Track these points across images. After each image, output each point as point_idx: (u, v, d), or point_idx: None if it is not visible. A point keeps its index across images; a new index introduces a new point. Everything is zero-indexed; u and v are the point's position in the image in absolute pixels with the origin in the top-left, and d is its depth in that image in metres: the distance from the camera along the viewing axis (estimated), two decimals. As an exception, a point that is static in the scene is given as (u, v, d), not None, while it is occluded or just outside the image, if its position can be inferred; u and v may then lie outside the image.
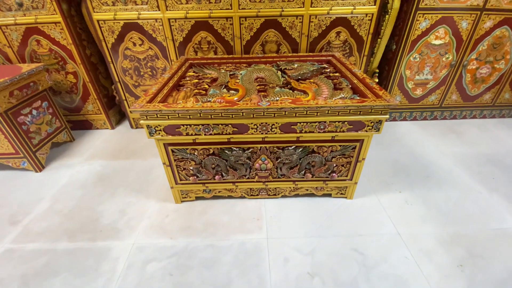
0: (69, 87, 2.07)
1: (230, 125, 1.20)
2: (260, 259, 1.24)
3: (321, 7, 1.79)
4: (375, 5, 1.80)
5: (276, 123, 1.20)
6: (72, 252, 1.28)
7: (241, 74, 1.60)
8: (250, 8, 1.78)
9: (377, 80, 2.17)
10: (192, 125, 1.19)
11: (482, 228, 1.37)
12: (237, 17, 1.81)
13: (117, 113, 2.41)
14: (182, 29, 1.84)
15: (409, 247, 1.28)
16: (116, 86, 2.10)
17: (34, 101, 1.76)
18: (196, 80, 1.54)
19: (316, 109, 1.14)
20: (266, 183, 1.47)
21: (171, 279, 1.16)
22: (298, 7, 1.79)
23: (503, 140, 2.07)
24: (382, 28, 1.97)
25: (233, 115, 1.16)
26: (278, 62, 1.78)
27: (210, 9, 1.77)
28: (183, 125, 1.19)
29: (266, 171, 1.41)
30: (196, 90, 1.40)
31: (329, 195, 1.56)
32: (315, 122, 1.20)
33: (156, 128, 1.20)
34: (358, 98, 1.25)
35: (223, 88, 1.41)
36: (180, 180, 1.44)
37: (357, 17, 1.84)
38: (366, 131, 1.23)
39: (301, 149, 1.32)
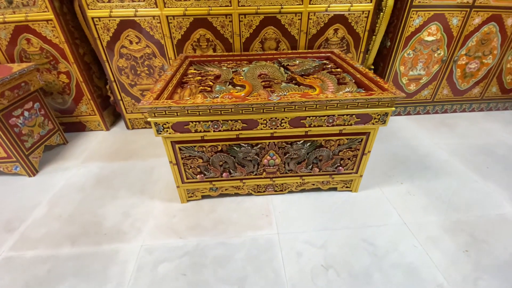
0: (61, 87, 1.99)
1: (239, 121, 1.19)
2: (273, 254, 1.23)
3: (320, 4, 1.81)
4: (371, 2, 1.85)
5: (286, 117, 1.20)
6: (76, 257, 1.23)
7: (244, 71, 1.59)
8: (249, 5, 1.78)
9: (372, 76, 2.22)
10: (201, 122, 1.18)
11: (482, 214, 1.43)
12: (236, 14, 1.80)
13: (111, 114, 2.34)
14: (180, 26, 1.82)
15: (416, 236, 1.31)
16: (112, 86, 2.04)
17: (25, 102, 1.68)
18: (199, 77, 1.52)
19: (326, 102, 1.15)
20: (274, 179, 1.47)
21: (185, 278, 1.13)
22: (297, 4, 1.80)
23: (492, 132, 2.17)
24: (377, 25, 2.02)
25: (243, 111, 1.16)
26: (279, 59, 1.78)
27: (209, 6, 1.75)
28: (192, 121, 1.17)
29: (274, 167, 1.41)
30: (201, 87, 1.39)
31: (335, 189, 1.58)
32: (324, 116, 1.21)
33: (164, 126, 1.17)
34: (363, 91, 1.28)
35: (228, 85, 1.40)
36: (187, 178, 1.42)
37: (354, 14, 1.88)
38: (373, 123, 1.26)
39: (309, 143, 1.33)
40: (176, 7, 1.74)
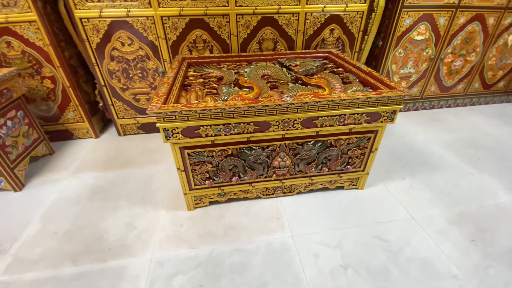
0: (45, 93, 1.85)
1: (251, 123, 1.16)
2: (290, 257, 1.21)
3: (316, 4, 1.83)
4: (365, 2, 1.88)
5: (298, 118, 1.18)
6: (81, 276, 1.14)
7: (246, 72, 1.56)
8: (247, 5, 1.75)
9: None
10: (213, 126, 1.13)
11: (481, 204, 1.50)
12: (234, 14, 1.76)
13: (100, 120, 2.21)
14: (176, 27, 1.75)
15: (425, 229, 1.35)
16: (102, 91, 1.93)
17: (8, 110, 1.54)
18: (202, 80, 1.47)
19: (339, 102, 1.15)
20: (283, 181, 1.45)
21: (203, 290, 1.08)
22: (294, 5, 1.80)
23: (477, 125, 2.30)
24: (369, 25, 2.07)
25: (256, 113, 1.13)
26: (279, 59, 1.77)
27: (206, 6, 1.70)
28: (203, 126, 1.12)
29: (285, 169, 1.39)
30: (206, 90, 1.34)
31: (342, 188, 1.59)
32: (335, 116, 1.21)
33: (173, 131, 1.12)
34: (370, 90, 1.29)
35: (234, 87, 1.36)
36: (195, 185, 1.36)
37: (349, 14, 1.91)
38: (382, 121, 1.28)
39: (320, 143, 1.33)
40: (171, 7, 1.68)
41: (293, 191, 1.53)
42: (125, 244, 1.28)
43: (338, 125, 1.24)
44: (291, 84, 1.37)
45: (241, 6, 1.74)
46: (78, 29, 1.66)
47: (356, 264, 1.19)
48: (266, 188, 1.47)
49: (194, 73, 1.57)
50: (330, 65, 1.70)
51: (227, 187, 1.41)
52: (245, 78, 1.46)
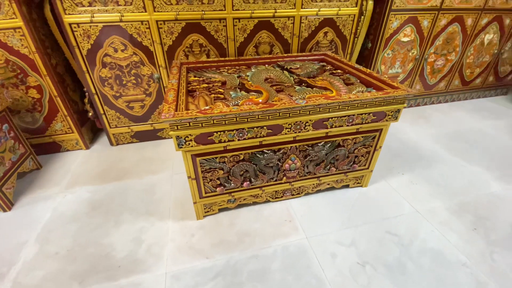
0: (31, 104, 1.72)
1: (265, 127, 1.15)
2: (308, 259, 1.21)
3: (311, 8, 1.86)
4: (356, 6, 1.95)
5: (310, 120, 1.19)
6: (91, 299, 1.06)
7: (248, 75, 1.55)
8: (243, 9, 1.75)
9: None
10: (226, 131, 1.11)
11: (477, 194, 1.59)
12: (230, 19, 1.75)
13: (89, 130, 2.09)
14: (171, 31, 1.71)
15: (430, 222, 1.41)
16: (93, 99, 1.83)
17: (-8, 124, 1.41)
18: (206, 85, 1.44)
19: (349, 103, 1.18)
20: (293, 183, 1.45)
21: (227, 301, 1.05)
22: (290, 9, 1.82)
23: (460, 120, 2.46)
24: (359, 28, 2.14)
25: (270, 116, 1.12)
26: (278, 63, 1.78)
27: (202, 11, 1.68)
28: (216, 132, 1.10)
29: (295, 171, 1.39)
30: (213, 95, 1.31)
31: (347, 186, 1.62)
32: (345, 116, 1.23)
33: (186, 139, 1.08)
34: (374, 90, 1.34)
35: (241, 91, 1.35)
36: (205, 193, 1.32)
37: (341, 17, 1.97)
38: (387, 120, 1.32)
39: (329, 144, 1.35)
40: (167, 12, 1.63)
41: (302, 193, 1.53)
42: (136, 259, 1.21)
43: (347, 126, 1.27)
44: (297, 87, 1.39)
45: (238, 10, 1.74)
46: (67, 35, 1.57)
47: (372, 261, 1.21)
48: (276, 191, 1.47)
49: (195, 78, 1.53)
50: (328, 67, 1.74)
51: (237, 192, 1.39)
52: (250, 82, 1.45)
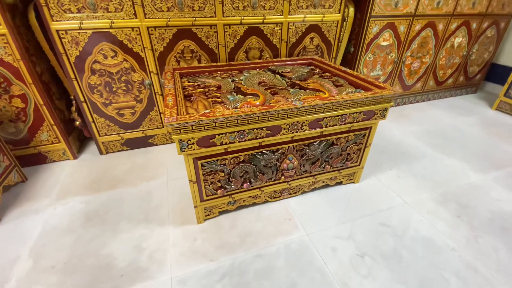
0: (14, 114, 1.64)
1: (264, 128, 1.19)
2: (311, 254, 1.25)
3: (298, 15, 1.95)
4: (339, 13, 2.07)
5: (306, 120, 1.25)
6: (95, 311, 1.03)
7: (242, 80, 1.59)
8: (234, 16, 1.79)
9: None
10: (227, 133, 1.14)
11: (457, 185, 1.72)
12: (221, 25, 1.79)
13: (76, 139, 2.03)
14: (162, 38, 1.71)
15: (419, 212, 1.51)
16: (81, 107, 1.78)
17: (-25, 135, 1.34)
18: (201, 89, 1.46)
19: (342, 103, 1.25)
20: (290, 182, 1.50)
21: (236, 301, 1.06)
22: (278, 15, 1.90)
23: (437, 117, 2.64)
24: (342, 33, 2.26)
25: (269, 117, 1.16)
26: (268, 67, 1.84)
27: (193, 17, 1.70)
28: (218, 134, 1.12)
29: (292, 170, 1.44)
30: (211, 99, 1.34)
31: (340, 183, 1.69)
32: (338, 116, 1.30)
33: (189, 142, 1.09)
34: (362, 91, 1.42)
35: (237, 94, 1.38)
36: (206, 196, 1.33)
37: (326, 23, 2.07)
38: (375, 118, 1.41)
39: (324, 143, 1.41)
40: (158, 18, 1.64)
41: (298, 191, 1.58)
42: (139, 267, 1.19)
43: (340, 124, 1.34)
44: (291, 89, 1.44)
45: (228, 16, 1.78)
46: (54, 42, 1.53)
47: (370, 251, 1.27)
48: (274, 191, 1.50)
49: (190, 83, 1.55)
50: (317, 71, 1.82)
51: (237, 194, 1.41)
52: (245, 86, 1.49)
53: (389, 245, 1.31)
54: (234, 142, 1.18)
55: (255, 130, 1.18)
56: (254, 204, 1.52)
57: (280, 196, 1.54)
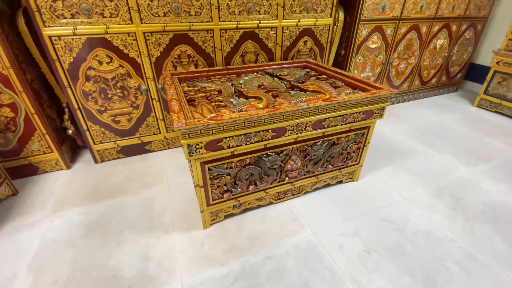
0: (3, 124, 1.57)
1: (270, 130, 1.21)
2: (319, 253, 1.27)
3: (292, 19, 1.99)
4: (331, 17, 2.13)
5: (310, 121, 1.28)
6: (106, 324, 1.00)
7: (241, 83, 1.61)
8: (230, 21, 1.81)
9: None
10: (234, 136, 1.14)
11: (449, 178, 1.80)
12: (217, 30, 1.80)
13: (68, 148, 1.95)
14: (159, 43, 1.70)
15: (417, 206, 1.57)
16: (75, 115, 1.72)
17: (-36, 148, 1.27)
18: (202, 94, 1.46)
19: (344, 103, 1.29)
20: (294, 183, 1.52)
21: (251, 303, 1.06)
22: (272, 20, 1.93)
23: (424, 115, 2.76)
24: (333, 37, 2.33)
25: (275, 120, 1.18)
26: (265, 70, 1.86)
27: (190, 22, 1.70)
28: (226, 137, 1.13)
29: (296, 171, 1.46)
30: (214, 103, 1.34)
31: (341, 182, 1.73)
32: (339, 116, 1.34)
33: (197, 146, 1.09)
34: (360, 92, 1.47)
35: (240, 98, 1.39)
36: (213, 200, 1.33)
37: (319, 27, 2.13)
38: (374, 118, 1.46)
39: (326, 143, 1.44)
40: (155, 23, 1.63)
41: (301, 192, 1.60)
42: (147, 276, 1.16)
43: (341, 124, 1.38)
44: (292, 92, 1.47)
45: (225, 21, 1.79)
46: (46, 48, 1.48)
47: (376, 247, 1.31)
48: (278, 192, 1.52)
49: (190, 88, 1.54)
50: (312, 73, 1.86)
51: (243, 197, 1.41)
52: (245, 89, 1.50)
53: (392, 239, 1.35)
54: (240, 145, 1.18)
55: (261, 132, 1.19)
56: (259, 206, 1.53)
57: (284, 197, 1.56)
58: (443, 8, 2.55)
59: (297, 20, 2.01)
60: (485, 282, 1.16)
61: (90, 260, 1.23)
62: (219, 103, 1.35)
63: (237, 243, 1.32)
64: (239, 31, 1.87)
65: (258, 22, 1.89)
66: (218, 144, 1.13)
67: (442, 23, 2.66)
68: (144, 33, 1.63)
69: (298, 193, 1.60)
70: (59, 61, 1.54)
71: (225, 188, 1.32)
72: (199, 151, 1.11)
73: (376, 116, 1.46)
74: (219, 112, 1.23)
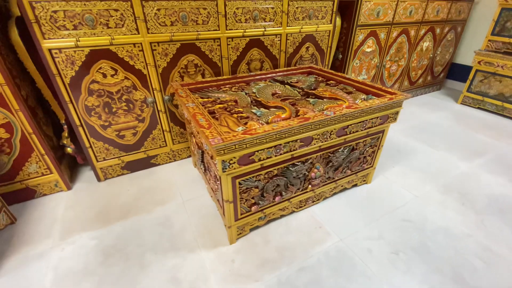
0: (-3, 146, 1.43)
1: (298, 140, 1.20)
2: (350, 259, 1.29)
3: (295, 26, 2.01)
4: (331, 23, 2.18)
5: (334, 129, 1.29)
6: None
7: (254, 92, 1.59)
8: (236, 29, 1.78)
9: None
10: (265, 149, 1.12)
11: (451, 174, 1.91)
12: (224, 38, 1.77)
13: (67, 168, 1.82)
14: (166, 53, 1.63)
15: (430, 204, 1.64)
16: (77, 132, 1.61)
17: (-40, 177, 1.13)
18: (220, 105, 1.42)
19: (367, 110, 1.31)
20: (315, 190, 1.52)
21: (296, 319, 1.04)
22: (277, 27, 1.93)
23: (416, 114, 2.90)
24: (332, 42, 2.38)
25: (304, 129, 1.18)
26: (274, 78, 1.86)
27: (197, 31, 1.66)
28: (257, 151, 1.10)
29: (319, 178, 1.46)
30: (236, 115, 1.31)
31: (355, 185, 1.77)
32: (360, 122, 1.37)
33: (231, 162, 1.06)
34: (374, 97, 1.51)
35: (260, 108, 1.37)
36: (241, 214, 1.29)
37: (320, 33, 2.16)
38: (388, 122, 1.51)
39: (347, 149, 1.46)
40: (161, 33, 1.57)
41: (321, 198, 1.61)
42: (182, 301, 1.11)
43: (361, 130, 1.41)
44: (311, 99, 1.47)
45: (231, 29, 1.77)
46: (46, 62, 1.37)
47: (401, 247, 1.35)
48: (300, 201, 1.51)
49: (205, 99, 1.50)
50: (320, 79, 1.89)
51: (268, 208, 1.39)
52: (263, 99, 1.49)
53: (415, 239, 1.40)
54: (270, 157, 1.17)
55: (290, 143, 1.18)
56: (281, 216, 1.52)
57: (305, 205, 1.56)
58: (429, 13, 2.70)
59: (300, 27, 2.03)
60: (503, 271, 1.24)
61: (116, 289, 1.15)
62: (240, 114, 1.32)
63: (267, 256, 1.30)
64: (245, 39, 1.85)
65: (263, 29, 1.88)
66: (250, 158, 1.11)
67: (428, 27, 2.82)
68: (150, 43, 1.56)
69: (318, 199, 1.60)
70: (60, 76, 1.43)
71: (253, 201, 1.30)
72: (232, 166, 1.07)
73: (390, 120, 1.51)
74: (245, 124, 1.20)
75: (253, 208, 1.31)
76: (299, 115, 1.27)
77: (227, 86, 1.72)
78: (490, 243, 1.38)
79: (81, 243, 1.37)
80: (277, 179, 1.30)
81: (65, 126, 1.69)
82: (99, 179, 1.82)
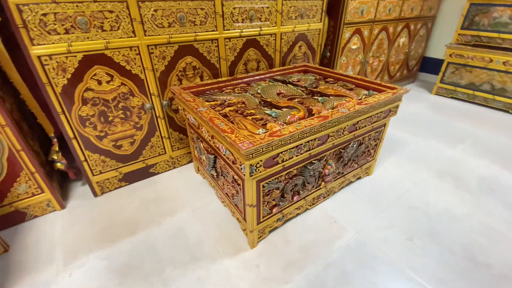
0: (-20, 168, 1.26)
1: (316, 139, 1.21)
2: (370, 251, 1.33)
3: (289, 25, 2.02)
4: (321, 22, 2.22)
5: (347, 126, 1.32)
6: None
7: (259, 93, 1.57)
8: (234, 29, 1.75)
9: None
10: (288, 150, 1.12)
11: (442, 161, 2.05)
12: (222, 39, 1.73)
13: (58, 185, 1.66)
14: (163, 56, 1.55)
15: (430, 190, 1.74)
16: (70, 145, 1.47)
17: None
18: (229, 108, 1.38)
19: (376, 105, 1.36)
20: (327, 187, 1.55)
21: (334, 315, 1.05)
22: (272, 27, 1.93)
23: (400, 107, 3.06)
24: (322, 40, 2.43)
25: (322, 128, 1.19)
26: (273, 77, 1.85)
27: (195, 32, 1.60)
28: (281, 152, 1.09)
29: (332, 174, 1.49)
30: (249, 117, 1.28)
31: (359, 178, 1.83)
32: (368, 117, 1.41)
33: (257, 165, 1.04)
34: (375, 92, 1.57)
35: (272, 108, 1.36)
36: (262, 217, 1.27)
37: (311, 32, 2.20)
38: (390, 115, 1.58)
39: (356, 143, 1.50)
40: (159, 35, 1.49)
41: (331, 193, 1.65)
42: (215, 313, 1.06)
43: (369, 125, 1.46)
44: (320, 98, 1.49)
45: (229, 30, 1.73)
46: (35, 70, 1.23)
47: (414, 233, 1.42)
48: (313, 198, 1.53)
49: (211, 103, 1.45)
50: (317, 77, 1.92)
51: (286, 209, 1.39)
52: (272, 99, 1.48)
53: (424, 224, 1.48)
54: (292, 157, 1.16)
55: (309, 142, 1.19)
56: (297, 215, 1.52)
57: (317, 202, 1.58)
58: (405, 10, 2.87)
59: (293, 26, 2.05)
60: (506, 246, 1.36)
61: (140, 311, 1.08)
62: (254, 116, 1.30)
63: (291, 257, 1.30)
64: (242, 39, 1.82)
65: (259, 29, 1.86)
66: (274, 160, 1.09)
67: (404, 23, 3.00)
68: (148, 46, 1.48)
69: (328, 195, 1.63)
70: (51, 85, 1.30)
71: (274, 203, 1.29)
72: (258, 170, 1.05)
73: (392, 113, 1.58)
74: (264, 126, 1.18)
75: (274, 210, 1.30)
76: (313, 114, 1.28)
77: (229, 87, 1.69)
78: (489, 220, 1.51)
79: (90, 265, 1.26)
80: (296, 179, 1.30)
81: (55, 140, 1.54)
82: (95, 194, 1.68)
